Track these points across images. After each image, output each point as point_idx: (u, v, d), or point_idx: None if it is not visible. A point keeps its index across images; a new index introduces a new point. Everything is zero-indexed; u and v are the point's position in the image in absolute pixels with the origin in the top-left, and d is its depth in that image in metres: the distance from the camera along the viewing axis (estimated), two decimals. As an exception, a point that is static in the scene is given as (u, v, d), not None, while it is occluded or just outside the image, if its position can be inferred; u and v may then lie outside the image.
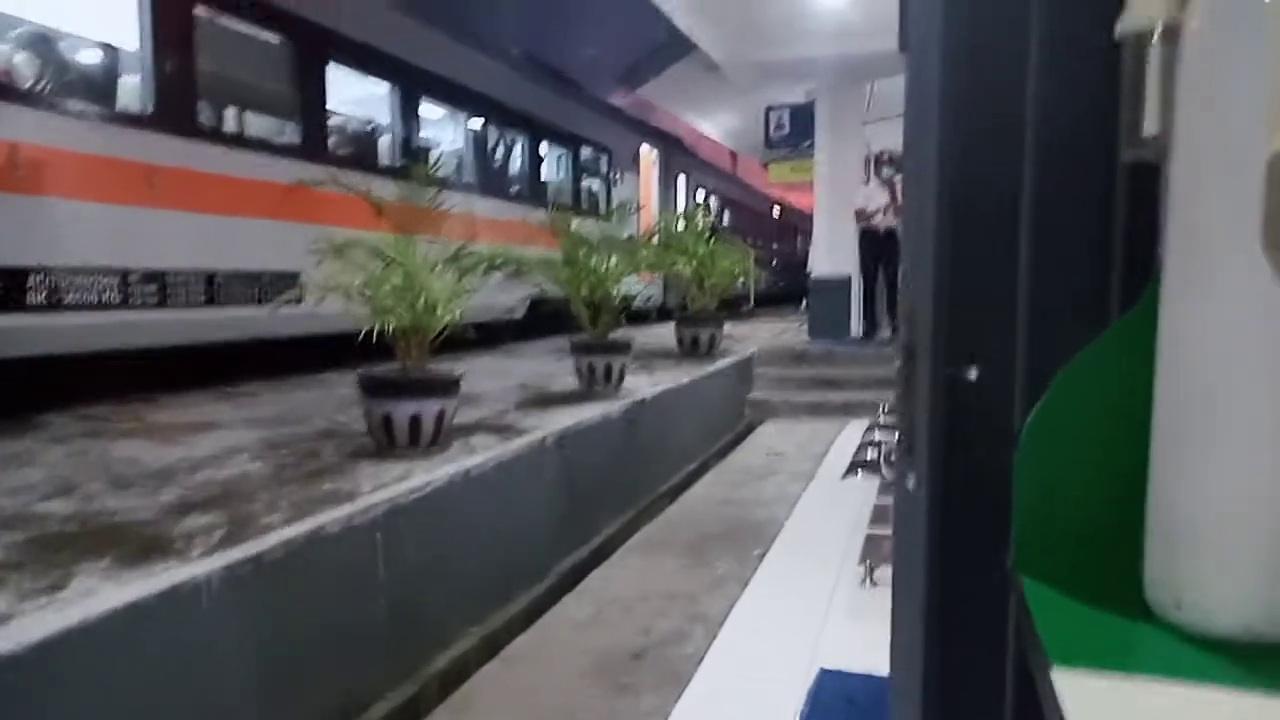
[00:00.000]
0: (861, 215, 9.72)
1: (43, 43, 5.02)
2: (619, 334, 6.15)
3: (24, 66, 4.85)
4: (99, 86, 5.24)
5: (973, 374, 1.21)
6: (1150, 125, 0.91)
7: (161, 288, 5.29)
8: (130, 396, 5.27)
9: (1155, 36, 0.89)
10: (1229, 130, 0.72)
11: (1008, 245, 1.24)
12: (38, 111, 4.66)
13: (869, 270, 9.87)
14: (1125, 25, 0.88)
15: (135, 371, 5.45)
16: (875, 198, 9.65)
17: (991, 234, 1.24)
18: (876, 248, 9.62)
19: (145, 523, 2.70)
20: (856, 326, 10.44)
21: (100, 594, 2.05)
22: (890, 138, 9.92)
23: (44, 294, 4.58)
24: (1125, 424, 0.89)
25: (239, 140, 6.31)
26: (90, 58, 5.34)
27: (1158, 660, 0.71)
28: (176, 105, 5.43)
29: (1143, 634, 0.75)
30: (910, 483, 1.16)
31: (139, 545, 2.45)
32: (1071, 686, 0.64)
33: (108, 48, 5.37)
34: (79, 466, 3.48)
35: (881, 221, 9.57)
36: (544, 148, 11.17)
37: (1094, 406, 0.96)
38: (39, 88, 4.83)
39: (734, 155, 25.86)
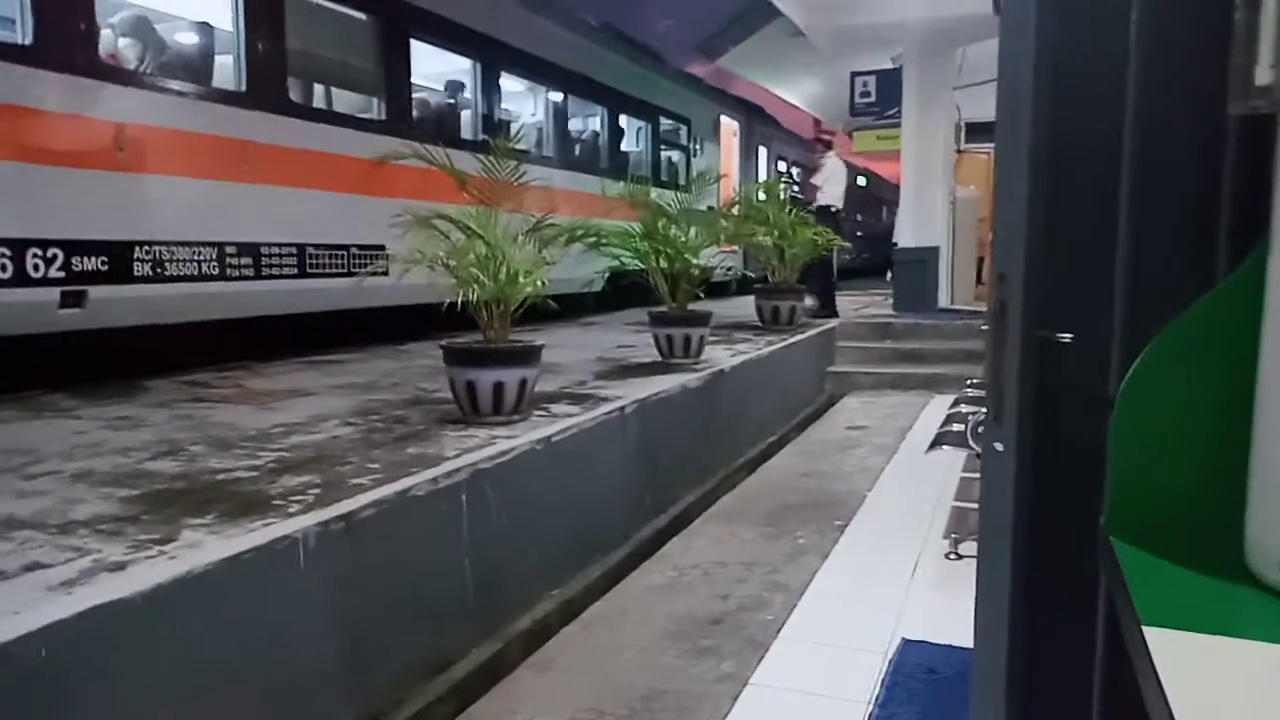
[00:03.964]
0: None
1: (143, 24, 5.23)
2: (698, 306, 6.14)
3: (128, 49, 5.07)
4: (196, 65, 5.45)
5: (1066, 337, 1.17)
6: (1264, 73, 0.86)
7: (256, 260, 5.49)
8: (228, 364, 5.51)
9: (1273, -25, 0.85)
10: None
11: (1105, 205, 1.19)
12: (140, 91, 4.87)
13: None
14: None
15: (233, 340, 5.70)
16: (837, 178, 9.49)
17: (1088, 194, 1.19)
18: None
19: (245, 481, 2.83)
20: (945, 298, 10.20)
21: (205, 546, 2.17)
22: (982, 105, 9.65)
23: (148, 266, 4.81)
24: (1226, 387, 0.86)
25: (326, 116, 6.49)
26: (188, 37, 5.55)
27: (1257, 623, 0.68)
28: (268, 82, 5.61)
29: (1241, 597, 0.72)
30: (999, 447, 1.14)
31: (240, 502, 2.57)
32: (1165, 645, 0.62)
33: (204, 26, 5.58)
34: (183, 429, 3.66)
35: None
36: (623, 120, 11.16)
37: (1194, 369, 0.92)
38: (141, 68, 5.05)
39: (818, 124, 25.34)
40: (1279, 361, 0.78)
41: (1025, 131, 1.12)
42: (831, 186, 9.50)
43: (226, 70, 5.55)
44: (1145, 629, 0.64)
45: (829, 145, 10.00)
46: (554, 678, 3.03)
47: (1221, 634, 0.67)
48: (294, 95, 6.07)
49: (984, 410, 1.35)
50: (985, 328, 1.17)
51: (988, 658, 1.24)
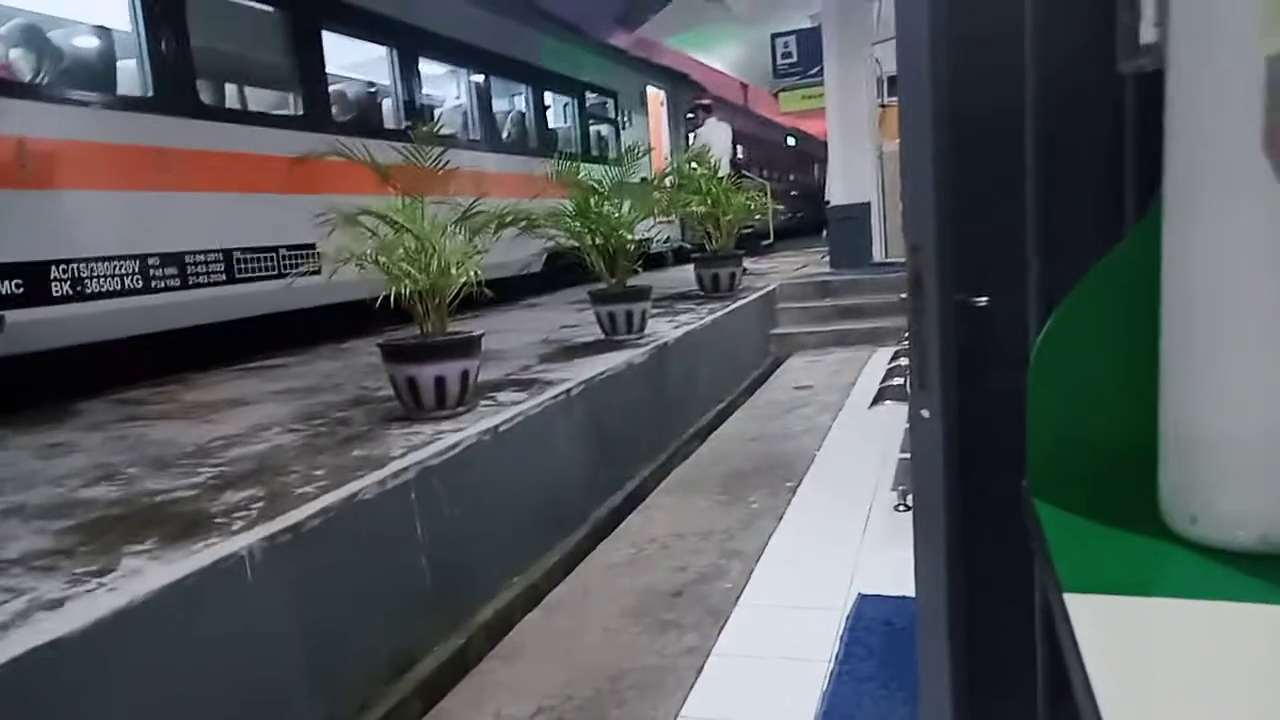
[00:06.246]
0: None
1: (35, 31, 5.01)
2: (638, 279, 6.13)
3: (21, 60, 4.85)
4: (97, 72, 5.24)
5: (983, 300, 1.19)
6: (1148, 31, 0.88)
7: (181, 269, 5.34)
8: (163, 378, 5.36)
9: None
10: (1225, 32, 0.69)
11: (1012, 165, 1.21)
12: (39, 103, 4.67)
13: None
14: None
15: (165, 353, 5.54)
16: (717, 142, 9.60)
17: (994, 155, 1.21)
18: None
19: (185, 501, 2.77)
20: (880, 252, 10.34)
21: (146, 574, 2.11)
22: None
23: (67, 285, 4.64)
24: (1137, 341, 0.88)
25: (239, 115, 6.30)
26: (85, 43, 5.32)
27: (1173, 580, 0.70)
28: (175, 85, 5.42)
29: (1158, 553, 0.74)
30: (925, 414, 1.15)
31: (181, 524, 2.51)
32: (1085, 613, 0.64)
33: (102, 31, 5.35)
34: (118, 451, 3.56)
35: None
36: (548, 97, 11.03)
37: (1105, 325, 0.94)
38: (39, 79, 4.84)
39: (744, 87, 25.38)
40: (1179, 309, 0.80)
41: (926, 99, 1.13)
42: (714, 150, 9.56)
43: (131, 75, 5.34)
44: (1065, 595, 0.66)
45: (708, 110, 10.16)
46: (520, 666, 3.04)
47: (1140, 594, 0.69)
48: (205, 97, 5.88)
49: (909, 368, 1.36)
50: (904, 297, 1.18)
51: (929, 610, 1.27)
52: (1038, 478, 0.91)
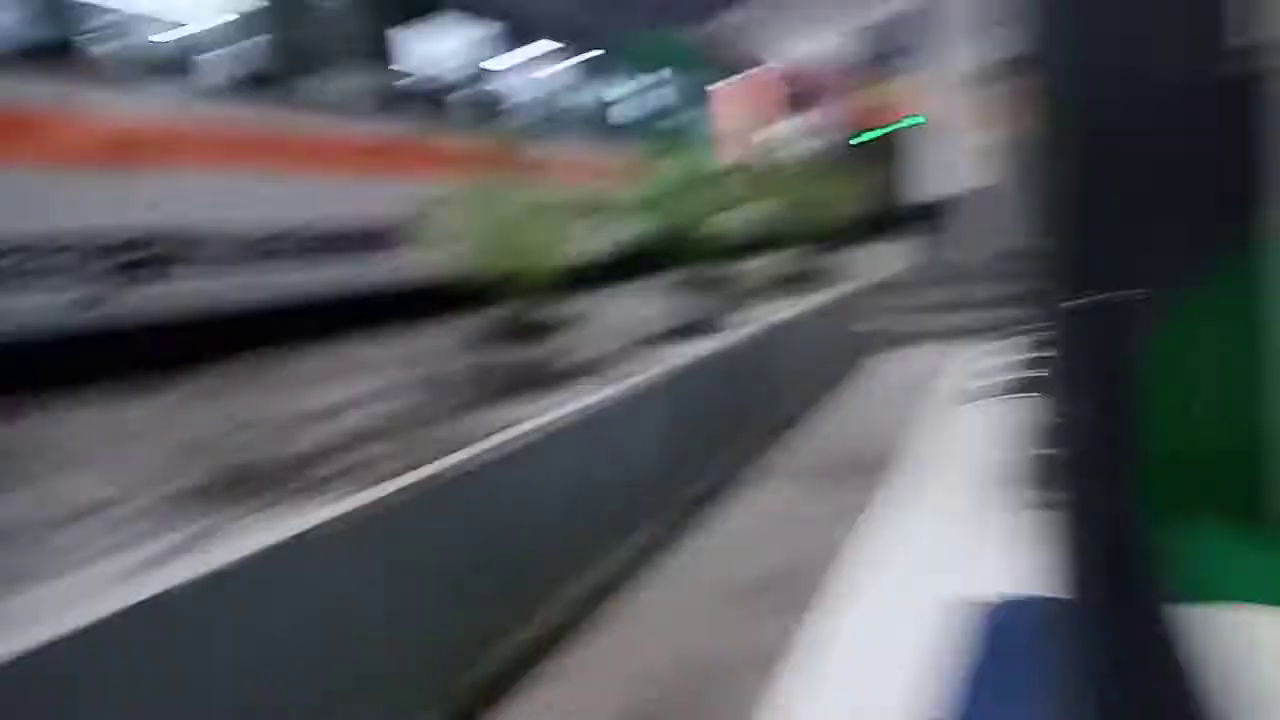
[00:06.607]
0: None
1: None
2: (724, 269, 6.15)
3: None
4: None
5: (1096, 302, 1.22)
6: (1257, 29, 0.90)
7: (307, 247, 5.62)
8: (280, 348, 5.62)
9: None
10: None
11: (1131, 166, 1.22)
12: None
13: None
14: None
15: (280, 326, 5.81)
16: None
17: (1108, 159, 1.23)
18: None
19: (323, 455, 2.97)
20: (979, 248, 10.09)
21: (287, 520, 2.32)
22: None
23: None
24: (1256, 349, 0.90)
25: (335, 104, 6.54)
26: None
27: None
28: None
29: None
30: (1037, 417, 1.20)
31: (317, 478, 2.71)
32: (1215, 622, 0.65)
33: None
34: (257, 409, 3.79)
35: None
36: (646, 82, 11.06)
37: (1222, 333, 0.96)
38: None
39: (838, 75, 24.89)
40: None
41: (1043, 93, 1.14)
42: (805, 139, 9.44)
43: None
44: (1196, 605, 0.69)
45: (808, 99, 10.01)
46: (611, 643, 3.13)
47: (1268, 603, 0.72)
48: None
49: (1018, 359, 1.40)
50: (1004, 294, 1.23)
51: (1049, 615, 1.28)
52: (1158, 487, 0.94)
